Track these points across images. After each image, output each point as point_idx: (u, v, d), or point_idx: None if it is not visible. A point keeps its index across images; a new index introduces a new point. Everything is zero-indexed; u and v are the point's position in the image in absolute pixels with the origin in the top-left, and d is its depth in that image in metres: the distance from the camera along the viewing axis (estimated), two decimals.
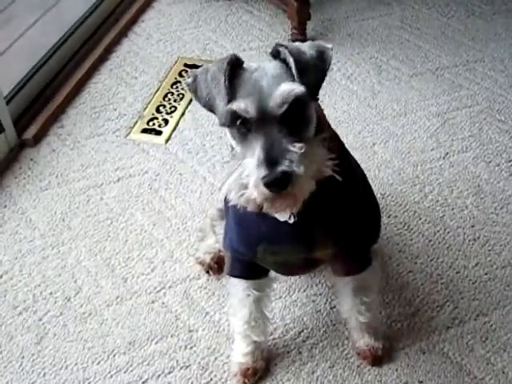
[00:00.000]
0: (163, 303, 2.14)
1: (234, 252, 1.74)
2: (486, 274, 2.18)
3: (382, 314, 2.06)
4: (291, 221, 1.54)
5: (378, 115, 2.84)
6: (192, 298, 2.15)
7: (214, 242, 2.17)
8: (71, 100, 3.01)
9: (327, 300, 2.12)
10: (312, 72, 1.38)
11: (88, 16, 3.38)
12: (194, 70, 2.54)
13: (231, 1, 3.63)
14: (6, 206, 2.51)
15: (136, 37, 3.42)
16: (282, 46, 1.40)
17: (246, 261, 1.73)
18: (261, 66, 1.42)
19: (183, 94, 3.01)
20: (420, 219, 2.37)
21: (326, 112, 1.60)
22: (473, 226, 2.33)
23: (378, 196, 2.39)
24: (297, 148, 1.31)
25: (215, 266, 2.19)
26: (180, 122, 2.86)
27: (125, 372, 1.96)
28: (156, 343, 2.03)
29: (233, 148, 1.46)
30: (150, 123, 2.87)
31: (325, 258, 1.70)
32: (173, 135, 2.80)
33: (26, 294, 2.19)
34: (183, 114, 2.91)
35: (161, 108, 2.95)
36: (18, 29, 3.38)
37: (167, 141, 2.77)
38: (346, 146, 1.69)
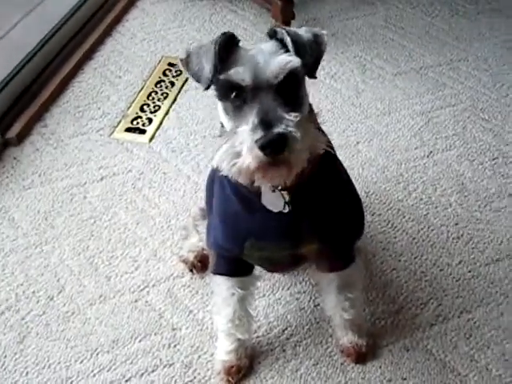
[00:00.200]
0: (147, 302, 2.13)
1: (218, 249, 1.73)
2: (469, 271, 2.19)
3: (366, 312, 2.06)
4: (286, 210, 1.53)
5: (362, 114, 2.85)
6: (175, 297, 2.14)
7: (197, 240, 2.16)
8: (55, 99, 2.99)
9: (311, 298, 2.12)
10: (308, 52, 1.39)
11: (72, 15, 3.37)
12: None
13: (215, 0, 3.63)
14: None
15: (120, 36, 3.41)
16: (279, 27, 1.42)
17: (231, 258, 1.73)
18: (257, 45, 1.42)
19: (167, 93, 3.00)
20: (404, 217, 2.37)
21: None
22: (456, 224, 2.34)
23: (362, 194, 2.39)
24: (292, 116, 1.30)
25: (199, 265, 2.19)
26: (164, 121, 2.86)
27: (108, 370, 1.96)
28: (139, 342, 2.02)
29: (223, 126, 1.45)
30: (134, 122, 2.86)
31: (310, 254, 1.70)
32: (157, 134, 2.79)
33: (8, 293, 2.18)
34: (167, 112, 2.90)
35: (145, 107, 2.94)
36: (2, 28, 3.36)
37: (151, 140, 2.76)
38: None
